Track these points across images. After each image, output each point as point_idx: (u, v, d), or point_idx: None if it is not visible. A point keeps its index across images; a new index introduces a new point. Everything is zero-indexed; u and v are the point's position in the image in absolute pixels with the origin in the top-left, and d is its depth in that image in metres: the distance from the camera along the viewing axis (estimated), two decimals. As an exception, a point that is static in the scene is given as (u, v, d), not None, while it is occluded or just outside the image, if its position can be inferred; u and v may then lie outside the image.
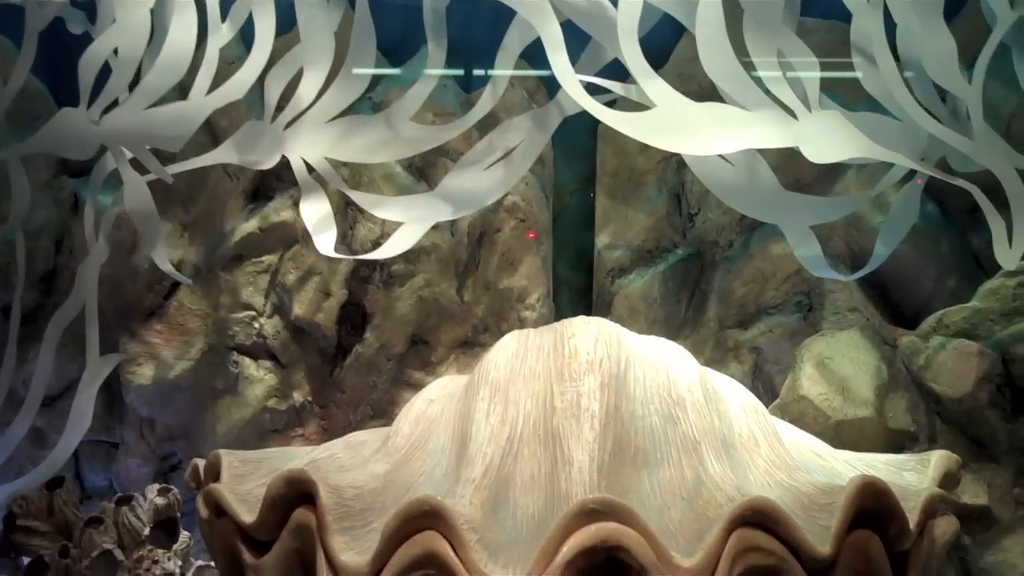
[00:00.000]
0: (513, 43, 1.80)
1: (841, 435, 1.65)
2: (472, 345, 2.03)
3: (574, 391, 1.29)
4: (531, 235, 2.04)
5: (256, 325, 2.03)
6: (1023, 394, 1.63)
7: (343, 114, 1.81)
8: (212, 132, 2.00)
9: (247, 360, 2.04)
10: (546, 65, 1.67)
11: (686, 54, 1.98)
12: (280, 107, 1.80)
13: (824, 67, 1.66)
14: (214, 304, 2.04)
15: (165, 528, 1.66)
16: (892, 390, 1.70)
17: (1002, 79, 1.76)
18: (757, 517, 1.11)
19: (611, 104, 1.71)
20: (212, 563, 1.64)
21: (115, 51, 1.75)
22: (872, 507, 1.15)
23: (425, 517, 1.11)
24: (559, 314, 2.09)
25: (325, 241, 1.82)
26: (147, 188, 1.79)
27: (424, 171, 2.05)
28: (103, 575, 1.59)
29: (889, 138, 1.66)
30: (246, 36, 1.80)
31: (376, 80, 2.03)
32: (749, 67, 1.65)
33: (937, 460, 1.37)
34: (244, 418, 2.02)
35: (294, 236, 2.01)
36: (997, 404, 1.63)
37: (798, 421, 1.64)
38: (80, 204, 2.03)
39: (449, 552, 1.10)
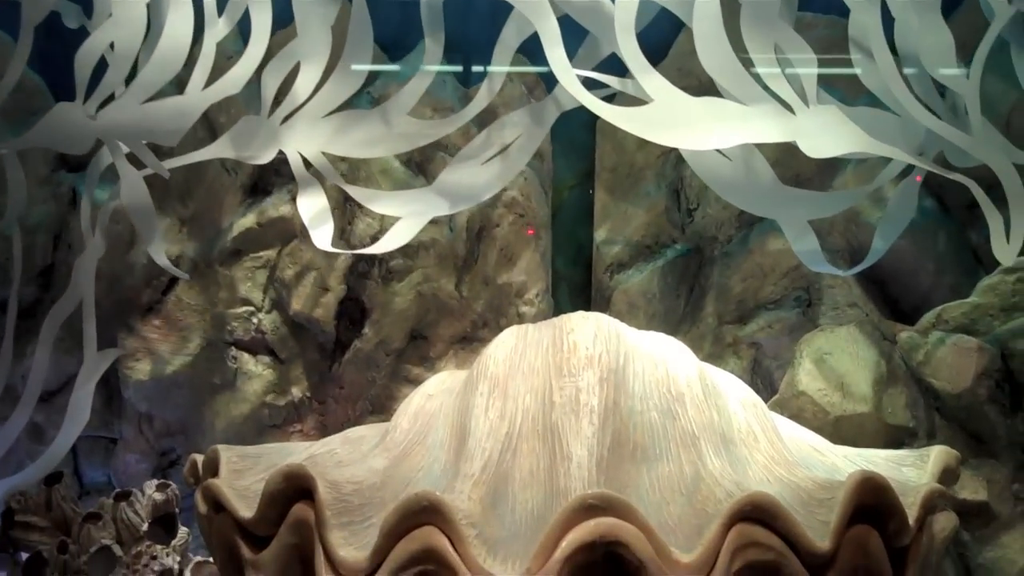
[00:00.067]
0: (510, 38, 1.80)
1: (840, 431, 1.65)
2: (471, 340, 2.03)
3: (573, 386, 1.29)
4: (530, 232, 2.04)
5: (254, 320, 2.03)
6: (1022, 390, 1.63)
7: (340, 109, 1.80)
8: (211, 127, 2.00)
9: (245, 355, 2.04)
10: (545, 61, 1.67)
11: (685, 49, 1.98)
12: (277, 102, 1.80)
13: (823, 62, 1.66)
14: (212, 299, 2.04)
15: (163, 524, 1.66)
16: (891, 386, 1.70)
17: (1001, 74, 1.76)
18: (756, 512, 1.11)
19: (609, 99, 1.71)
20: (210, 559, 1.64)
21: (111, 45, 1.74)
22: (871, 503, 1.15)
23: (424, 512, 1.11)
24: (558, 309, 2.09)
25: (322, 235, 1.82)
26: (144, 183, 1.79)
27: (423, 166, 2.05)
28: (101, 571, 1.59)
29: (887, 133, 1.66)
30: (245, 31, 1.80)
31: (375, 75, 2.03)
32: (747, 62, 1.65)
33: (936, 456, 1.37)
34: (242, 413, 2.02)
35: (292, 231, 2.01)
36: (996, 400, 1.63)
37: (797, 417, 1.64)
38: (78, 199, 2.02)
39: (448, 547, 1.09)
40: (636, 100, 1.69)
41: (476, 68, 2.09)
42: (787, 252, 1.88)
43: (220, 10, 1.79)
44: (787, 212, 1.79)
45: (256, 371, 2.03)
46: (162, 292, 2.04)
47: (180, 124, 1.72)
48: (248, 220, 2.02)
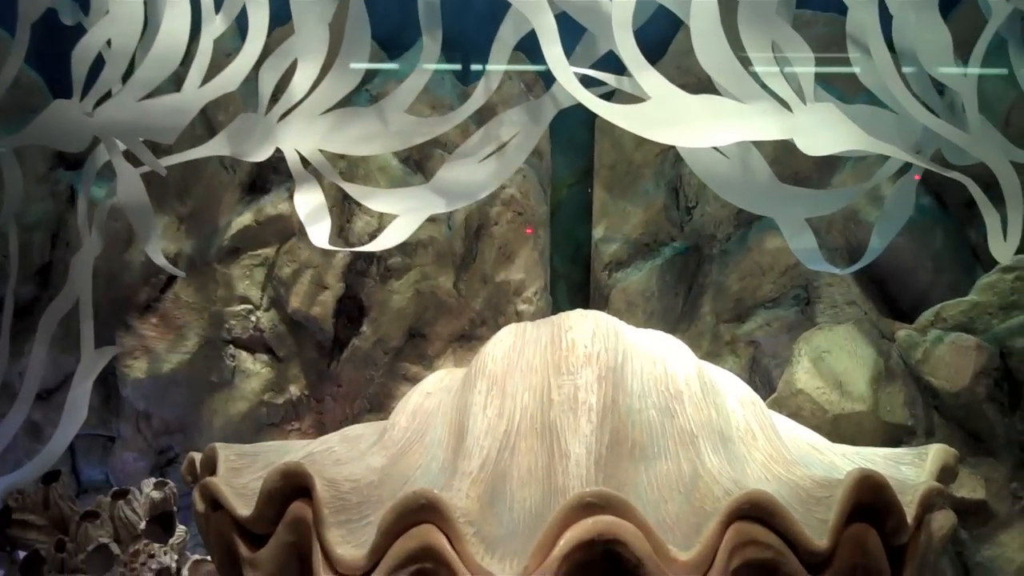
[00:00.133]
0: (508, 36, 1.80)
1: (838, 429, 1.65)
2: (469, 338, 2.03)
3: (571, 384, 1.29)
4: (528, 230, 2.04)
5: (252, 318, 2.03)
6: (1021, 388, 1.63)
7: (338, 106, 1.80)
8: (209, 125, 1.99)
9: (243, 353, 2.04)
10: (543, 58, 1.67)
11: (684, 47, 1.97)
12: (275, 99, 1.79)
13: (821, 60, 1.66)
14: (210, 297, 2.04)
15: (161, 522, 1.65)
16: (889, 384, 1.70)
17: (999, 72, 1.76)
18: (754, 510, 1.11)
19: (607, 97, 1.71)
20: (208, 557, 1.64)
21: (108, 42, 1.74)
22: (869, 501, 1.15)
23: (422, 510, 1.11)
24: (556, 307, 2.09)
25: (319, 233, 1.82)
26: (140, 180, 1.79)
27: (421, 163, 2.04)
28: (99, 569, 1.59)
29: (884, 131, 1.66)
30: (242, 28, 1.79)
31: (373, 72, 2.03)
32: (745, 60, 1.65)
33: (935, 454, 1.37)
34: (240, 412, 2.02)
35: (290, 229, 2.01)
36: (995, 398, 1.63)
37: (795, 415, 1.64)
38: (76, 197, 2.02)
39: (446, 545, 1.09)
40: (634, 98, 1.69)
41: (474, 66, 2.08)
42: (785, 250, 1.88)
43: (217, 7, 1.79)
44: (785, 210, 1.79)
45: (254, 369, 2.03)
46: (160, 290, 2.04)
47: (177, 121, 1.72)
48: (246, 218, 2.02)
